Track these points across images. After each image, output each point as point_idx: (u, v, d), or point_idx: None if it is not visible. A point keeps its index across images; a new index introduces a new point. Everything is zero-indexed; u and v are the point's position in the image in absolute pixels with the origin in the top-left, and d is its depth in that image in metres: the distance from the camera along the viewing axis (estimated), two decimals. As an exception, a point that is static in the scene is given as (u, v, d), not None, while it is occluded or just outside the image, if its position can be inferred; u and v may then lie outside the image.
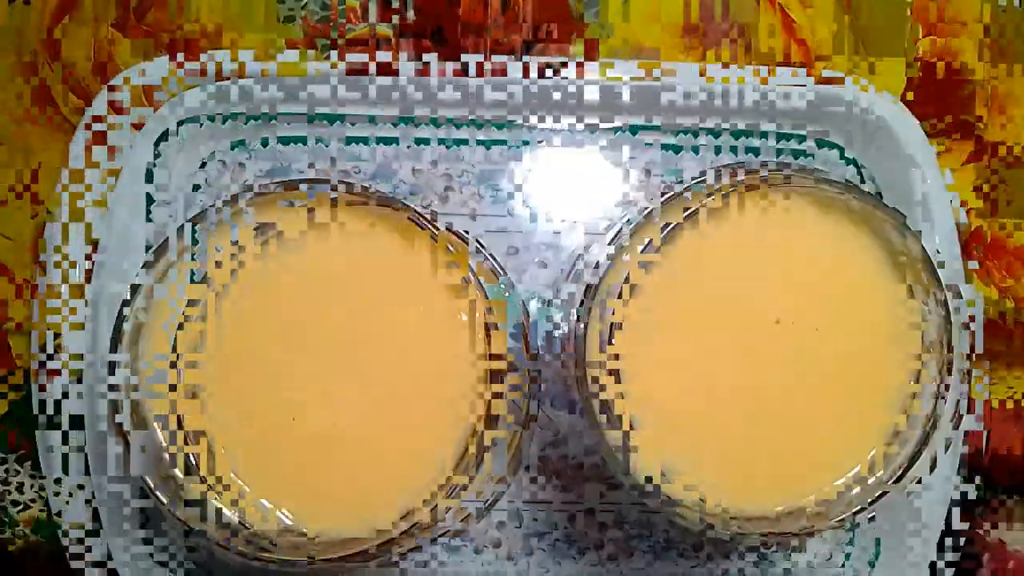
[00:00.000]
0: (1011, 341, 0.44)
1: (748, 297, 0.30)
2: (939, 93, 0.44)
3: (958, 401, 0.34)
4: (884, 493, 0.29)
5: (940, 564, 0.42)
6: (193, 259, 0.30)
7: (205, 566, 0.42)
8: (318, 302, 0.30)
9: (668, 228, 0.29)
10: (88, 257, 0.41)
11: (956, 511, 0.42)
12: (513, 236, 0.43)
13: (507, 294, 0.41)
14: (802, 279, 0.31)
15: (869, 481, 0.30)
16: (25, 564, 0.43)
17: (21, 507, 0.43)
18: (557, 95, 0.41)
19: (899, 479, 0.29)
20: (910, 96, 0.44)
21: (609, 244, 0.31)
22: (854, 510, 0.29)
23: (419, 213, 0.28)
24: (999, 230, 0.44)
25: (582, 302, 0.30)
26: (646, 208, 0.29)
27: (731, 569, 0.44)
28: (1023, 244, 0.44)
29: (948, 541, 0.42)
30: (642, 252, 0.30)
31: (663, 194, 0.29)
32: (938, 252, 0.38)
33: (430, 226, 0.29)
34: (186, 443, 0.30)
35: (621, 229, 0.30)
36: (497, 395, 0.30)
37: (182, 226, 0.29)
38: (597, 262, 0.30)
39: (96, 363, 0.41)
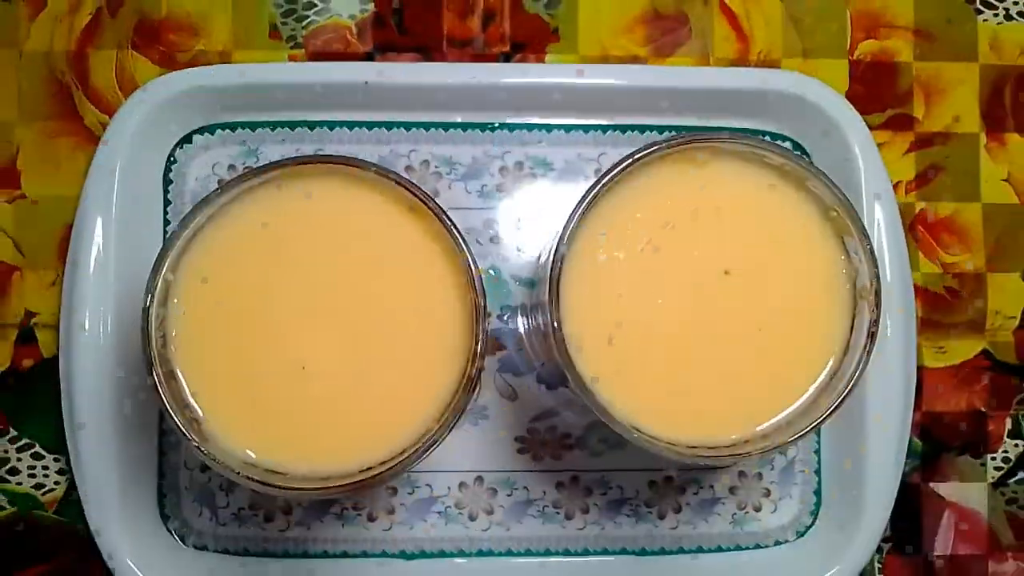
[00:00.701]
0: (947, 311, 0.48)
1: (700, 253, 0.35)
2: (879, 90, 0.49)
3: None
4: (826, 417, 0.33)
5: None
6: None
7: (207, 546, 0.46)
8: (316, 265, 0.35)
9: (613, 174, 0.33)
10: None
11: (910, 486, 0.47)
12: (496, 226, 0.47)
13: (490, 273, 0.46)
14: (748, 235, 0.35)
15: (813, 409, 0.34)
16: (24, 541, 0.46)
17: (46, 491, 0.46)
18: (534, 95, 0.46)
19: (840, 404, 0.33)
20: (855, 91, 0.48)
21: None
22: (800, 434, 0.33)
23: (408, 180, 0.32)
24: (938, 212, 0.49)
25: (552, 270, 0.34)
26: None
27: (708, 531, 0.47)
28: (959, 223, 0.49)
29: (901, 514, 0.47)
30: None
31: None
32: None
33: (420, 195, 0.33)
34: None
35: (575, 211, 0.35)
36: (479, 355, 0.33)
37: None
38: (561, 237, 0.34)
39: (100, 358, 0.44)
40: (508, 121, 0.47)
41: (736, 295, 0.35)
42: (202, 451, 0.32)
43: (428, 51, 0.48)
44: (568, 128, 0.47)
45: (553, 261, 0.34)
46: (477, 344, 0.32)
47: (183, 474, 0.46)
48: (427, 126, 0.47)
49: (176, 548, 0.46)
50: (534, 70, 0.46)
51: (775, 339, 0.35)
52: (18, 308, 0.47)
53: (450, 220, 0.33)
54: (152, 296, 0.32)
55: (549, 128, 0.47)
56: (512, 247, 0.47)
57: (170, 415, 0.32)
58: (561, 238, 0.34)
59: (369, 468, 0.33)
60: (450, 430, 0.33)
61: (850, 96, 0.48)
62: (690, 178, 0.35)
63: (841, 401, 0.33)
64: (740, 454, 0.33)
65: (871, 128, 0.47)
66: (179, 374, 0.33)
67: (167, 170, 0.46)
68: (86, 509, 0.44)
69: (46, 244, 0.47)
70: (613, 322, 0.35)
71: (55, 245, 0.47)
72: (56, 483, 0.47)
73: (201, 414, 0.33)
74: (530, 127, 0.47)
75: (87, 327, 0.44)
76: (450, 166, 0.47)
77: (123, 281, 0.45)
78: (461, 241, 0.33)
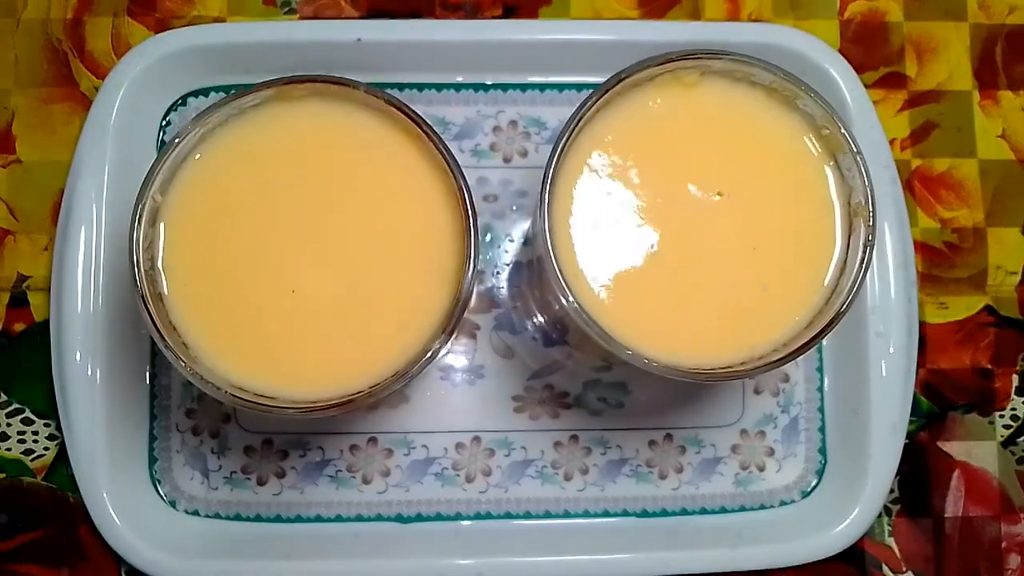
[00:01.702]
0: (948, 266, 0.48)
1: (692, 176, 0.34)
2: (871, 50, 0.49)
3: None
4: (823, 334, 0.32)
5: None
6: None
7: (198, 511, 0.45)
8: (305, 187, 0.34)
9: (598, 99, 0.32)
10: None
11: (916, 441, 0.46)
12: (490, 185, 0.47)
13: (486, 231, 0.45)
14: (740, 156, 0.35)
15: (812, 328, 0.33)
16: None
17: (35, 456, 0.46)
18: (528, 53, 0.46)
19: (837, 321, 0.32)
20: (846, 50, 0.48)
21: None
22: (797, 350, 0.32)
23: (397, 99, 0.32)
24: (935, 168, 0.49)
25: (542, 197, 0.34)
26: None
27: (711, 492, 0.46)
28: (956, 179, 0.48)
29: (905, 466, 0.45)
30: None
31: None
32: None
33: (410, 113, 0.33)
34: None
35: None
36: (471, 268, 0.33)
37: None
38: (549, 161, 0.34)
39: (91, 320, 0.44)
40: (502, 80, 0.47)
41: (730, 217, 0.34)
42: (190, 370, 0.31)
43: (421, 16, 0.48)
44: (561, 87, 0.47)
45: (544, 187, 0.34)
46: (469, 259, 0.32)
47: (175, 438, 0.45)
48: (420, 87, 0.47)
49: (167, 513, 0.45)
50: (527, 27, 0.47)
51: (771, 260, 0.34)
52: (11, 272, 0.46)
53: (439, 138, 0.33)
54: (139, 215, 0.32)
55: (543, 87, 0.47)
56: (506, 205, 0.47)
57: (157, 336, 0.31)
58: (551, 162, 0.34)
59: (358, 391, 0.32)
60: (441, 350, 0.32)
61: (842, 55, 0.48)
62: (680, 100, 0.35)
63: (838, 317, 0.32)
64: (738, 372, 0.32)
65: (866, 87, 0.47)
66: (167, 297, 0.33)
67: (161, 132, 0.46)
68: (76, 474, 0.44)
69: (40, 208, 0.47)
70: (607, 247, 0.34)
71: (49, 209, 0.46)
72: (46, 449, 0.46)
73: (189, 337, 0.33)
74: (524, 87, 0.47)
75: (79, 290, 0.44)
76: (444, 126, 0.47)
77: (115, 244, 0.44)
78: (448, 158, 0.33)
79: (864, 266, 0.32)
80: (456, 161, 0.33)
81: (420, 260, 0.34)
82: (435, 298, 0.33)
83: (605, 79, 0.46)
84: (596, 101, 0.33)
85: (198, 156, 0.34)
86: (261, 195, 0.34)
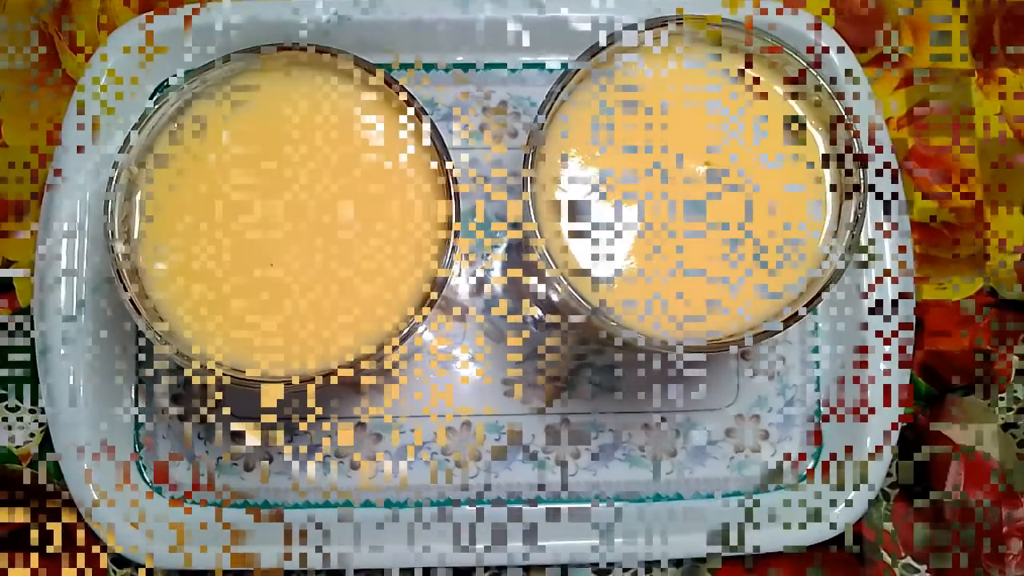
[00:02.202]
0: (946, 246, 0.47)
1: (680, 145, 0.34)
2: (866, 28, 0.48)
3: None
4: (815, 302, 0.31)
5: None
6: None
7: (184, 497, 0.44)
8: (283, 159, 0.34)
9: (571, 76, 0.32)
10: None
11: (912, 427, 0.45)
12: (480, 165, 0.46)
13: (481, 213, 0.45)
14: (729, 125, 0.34)
15: (803, 299, 0.32)
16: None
17: (20, 443, 0.45)
18: (524, 36, 0.45)
19: (826, 290, 0.31)
20: (841, 28, 0.48)
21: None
22: (789, 319, 0.31)
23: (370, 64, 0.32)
24: (931, 147, 0.48)
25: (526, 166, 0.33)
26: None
27: (705, 476, 0.45)
28: (954, 158, 0.48)
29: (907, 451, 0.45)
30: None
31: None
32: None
33: (385, 78, 0.32)
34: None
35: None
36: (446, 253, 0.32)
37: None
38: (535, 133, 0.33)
39: (75, 306, 0.43)
40: (491, 61, 0.47)
41: (719, 188, 0.33)
42: (167, 344, 0.31)
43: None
44: (552, 68, 0.47)
45: (527, 159, 0.33)
46: (450, 232, 0.31)
47: (160, 424, 0.45)
48: (407, 67, 0.46)
49: (154, 500, 0.44)
50: (517, 5, 0.46)
51: (761, 231, 0.33)
52: (-4, 257, 0.46)
53: (420, 107, 0.32)
54: (114, 187, 0.31)
55: (532, 67, 0.47)
56: (498, 187, 0.46)
57: (133, 310, 0.31)
58: (534, 133, 0.33)
59: (337, 366, 0.31)
60: (421, 325, 0.31)
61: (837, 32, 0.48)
62: (666, 68, 0.34)
63: (827, 288, 0.31)
64: (726, 343, 0.32)
65: (862, 66, 0.46)
66: (144, 272, 0.32)
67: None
68: (61, 461, 0.43)
69: (25, 193, 0.46)
70: (594, 221, 0.34)
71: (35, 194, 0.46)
72: (31, 435, 0.45)
73: (167, 312, 0.32)
74: (512, 68, 0.47)
75: (62, 275, 0.43)
76: (432, 107, 0.46)
77: (99, 228, 0.44)
78: (430, 129, 0.32)
79: (855, 236, 0.31)
80: (438, 131, 0.32)
81: (401, 235, 0.33)
82: (416, 274, 0.33)
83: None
84: (579, 70, 0.33)
85: (175, 127, 0.33)
86: (240, 167, 0.34)
